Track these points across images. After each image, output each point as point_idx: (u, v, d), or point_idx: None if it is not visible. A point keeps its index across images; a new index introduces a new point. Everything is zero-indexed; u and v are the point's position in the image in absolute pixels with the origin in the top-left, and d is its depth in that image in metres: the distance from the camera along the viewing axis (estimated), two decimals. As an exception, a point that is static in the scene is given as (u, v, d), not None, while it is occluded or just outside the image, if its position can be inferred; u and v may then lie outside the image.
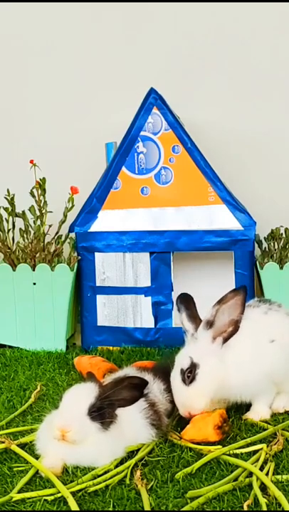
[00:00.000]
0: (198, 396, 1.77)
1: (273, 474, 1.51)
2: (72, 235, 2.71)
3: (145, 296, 2.64)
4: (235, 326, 1.83)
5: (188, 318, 1.92)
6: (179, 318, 1.97)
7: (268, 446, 1.64)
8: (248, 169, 2.98)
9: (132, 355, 2.55)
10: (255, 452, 1.63)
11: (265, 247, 2.73)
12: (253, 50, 2.95)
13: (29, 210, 2.71)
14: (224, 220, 2.57)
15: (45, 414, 1.71)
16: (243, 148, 2.99)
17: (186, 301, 1.95)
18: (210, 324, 1.84)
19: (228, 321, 1.83)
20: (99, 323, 2.68)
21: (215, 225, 2.57)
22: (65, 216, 2.71)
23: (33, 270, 2.64)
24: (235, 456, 1.62)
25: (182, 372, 1.80)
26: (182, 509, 1.38)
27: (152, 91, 2.62)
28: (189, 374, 1.78)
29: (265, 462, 1.57)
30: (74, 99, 3.05)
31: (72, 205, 2.70)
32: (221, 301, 1.84)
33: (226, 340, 1.83)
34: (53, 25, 3.04)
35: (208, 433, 1.70)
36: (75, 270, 2.64)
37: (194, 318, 1.92)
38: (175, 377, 1.83)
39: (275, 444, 1.64)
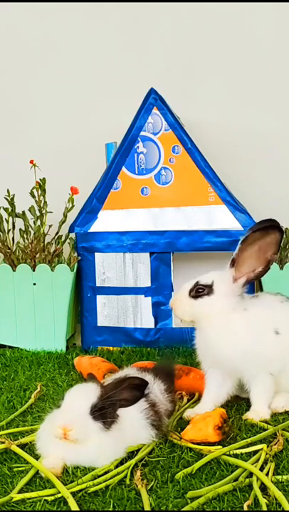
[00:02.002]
0: (188, 308, 1.86)
1: (273, 474, 1.51)
2: (72, 235, 2.71)
3: (145, 296, 2.64)
4: (266, 266, 1.82)
5: None
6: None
7: (268, 446, 1.64)
8: (248, 169, 2.98)
9: (132, 355, 2.55)
10: (255, 452, 1.63)
11: (265, 247, 2.73)
12: (253, 50, 2.95)
13: (29, 210, 2.71)
14: (224, 220, 2.57)
15: (45, 414, 1.71)
16: (243, 149, 2.99)
17: None
18: (232, 263, 1.85)
19: (254, 262, 1.82)
20: (99, 324, 2.69)
21: (215, 226, 2.57)
22: (65, 216, 2.71)
23: (33, 270, 2.64)
24: (236, 456, 1.62)
25: (196, 283, 1.86)
26: (182, 509, 1.38)
27: (152, 91, 2.62)
28: (200, 290, 1.85)
29: (266, 462, 1.57)
30: (74, 100, 3.06)
31: (72, 206, 2.70)
32: (243, 241, 1.82)
33: (250, 280, 1.84)
34: (53, 26, 3.04)
35: (208, 433, 1.70)
36: (75, 270, 2.64)
37: None
38: (187, 285, 1.88)
39: (275, 445, 1.64)
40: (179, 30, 2.98)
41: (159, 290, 2.64)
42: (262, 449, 1.62)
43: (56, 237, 2.73)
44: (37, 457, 1.61)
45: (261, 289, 2.58)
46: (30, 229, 2.71)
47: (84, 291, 2.70)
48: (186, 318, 1.89)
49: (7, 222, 2.72)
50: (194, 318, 1.89)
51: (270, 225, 1.82)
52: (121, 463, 1.58)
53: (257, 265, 1.83)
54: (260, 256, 1.82)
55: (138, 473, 1.52)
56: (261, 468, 1.53)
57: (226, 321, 1.85)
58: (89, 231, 2.66)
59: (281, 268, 2.55)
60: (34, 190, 2.69)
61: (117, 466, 1.56)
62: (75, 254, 2.68)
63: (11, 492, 1.46)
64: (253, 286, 2.61)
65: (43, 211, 2.69)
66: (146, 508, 1.38)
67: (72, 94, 3.06)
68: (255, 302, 1.92)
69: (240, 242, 1.83)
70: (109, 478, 1.51)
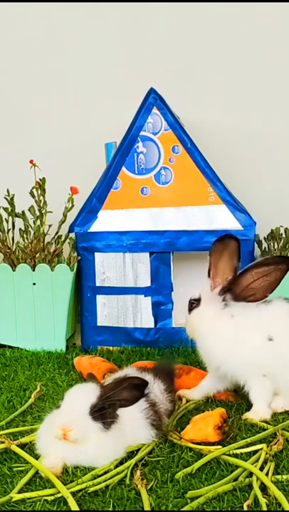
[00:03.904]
0: (188, 324, 2.01)
1: (273, 474, 1.51)
2: (72, 235, 2.71)
3: (145, 296, 2.64)
4: (235, 273, 1.90)
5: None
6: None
7: (268, 446, 1.64)
8: (248, 169, 2.98)
9: (132, 355, 2.55)
10: (255, 452, 1.63)
11: (265, 247, 2.73)
12: (253, 50, 2.95)
13: (29, 210, 2.71)
14: (224, 220, 2.57)
15: (45, 414, 1.71)
16: (243, 148, 2.99)
17: None
18: (209, 273, 1.95)
19: (225, 271, 1.91)
20: (99, 324, 2.68)
21: (215, 225, 2.57)
22: (65, 216, 2.71)
23: (33, 270, 2.64)
24: (235, 456, 1.62)
25: (189, 300, 2.01)
26: (182, 509, 1.38)
27: (152, 91, 2.62)
28: (192, 304, 1.98)
29: (265, 462, 1.57)
30: (74, 100, 3.06)
31: (72, 205, 2.70)
32: (210, 253, 1.92)
33: (225, 288, 1.91)
34: (53, 26, 3.04)
35: (208, 433, 1.70)
36: (75, 270, 2.64)
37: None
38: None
39: (275, 444, 1.64)
40: (179, 30, 2.98)
41: (159, 290, 2.64)
42: (262, 448, 1.63)
43: (56, 237, 2.73)
44: (37, 457, 1.61)
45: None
46: (30, 229, 2.71)
47: (84, 291, 2.70)
48: (191, 334, 2.01)
49: (7, 222, 2.72)
50: (193, 331, 1.99)
51: (226, 235, 1.92)
52: (121, 463, 1.58)
53: (228, 273, 1.92)
54: (229, 264, 1.91)
55: (138, 473, 1.52)
56: (261, 468, 1.53)
57: (212, 327, 1.92)
58: (89, 231, 2.66)
59: (281, 268, 2.55)
60: (34, 190, 2.69)
61: (116, 466, 1.56)
62: (75, 254, 2.68)
63: (11, 492, 1.46)
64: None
65: (43, 211, 2.69)
66: (146, 508, 1.38)
67: (72, 94, 3.06)
68: (243, 308, 1.95)
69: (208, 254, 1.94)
70: (109, 478, 1.51)
